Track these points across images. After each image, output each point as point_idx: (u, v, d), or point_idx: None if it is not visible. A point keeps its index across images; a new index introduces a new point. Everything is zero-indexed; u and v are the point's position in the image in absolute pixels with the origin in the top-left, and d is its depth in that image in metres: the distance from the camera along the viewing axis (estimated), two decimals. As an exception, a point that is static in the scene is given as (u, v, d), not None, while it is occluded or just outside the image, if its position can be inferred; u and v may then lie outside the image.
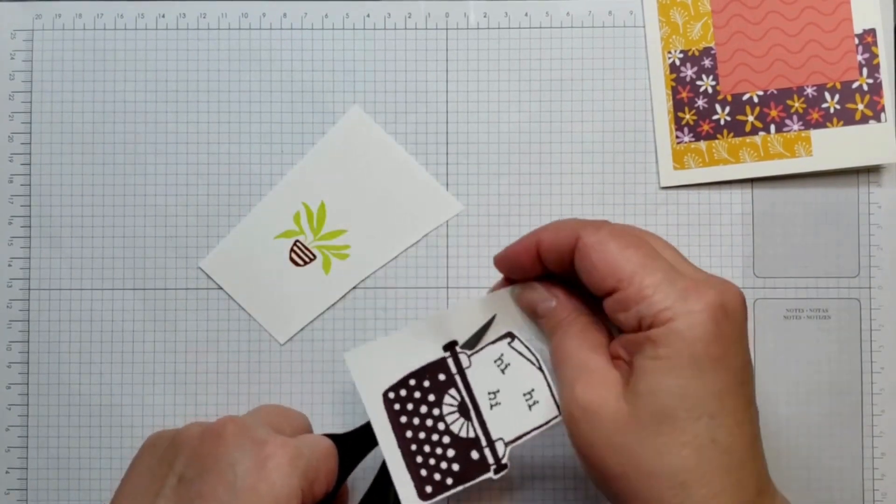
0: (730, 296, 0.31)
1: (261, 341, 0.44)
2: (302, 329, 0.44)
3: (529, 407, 0.35)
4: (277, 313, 0.44)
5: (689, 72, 0.44)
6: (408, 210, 0.44)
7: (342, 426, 0.44)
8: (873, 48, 0.44)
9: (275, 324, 0.44)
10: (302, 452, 0.32)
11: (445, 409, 0.36)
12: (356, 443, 0.36)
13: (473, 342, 0.36)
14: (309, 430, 0.37)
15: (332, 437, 0.35)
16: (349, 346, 0.44)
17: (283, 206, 0.45)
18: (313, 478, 0.32)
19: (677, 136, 0.45)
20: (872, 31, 0.44)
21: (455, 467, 0.35)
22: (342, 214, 0.45)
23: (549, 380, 0.35)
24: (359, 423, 0.37)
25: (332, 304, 0.44)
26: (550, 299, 0.35)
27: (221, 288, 0.44)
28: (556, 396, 0.35)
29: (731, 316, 0.31)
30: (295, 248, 0.44)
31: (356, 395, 0.37)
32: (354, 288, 0.44)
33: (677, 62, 0.45)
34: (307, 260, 0.44)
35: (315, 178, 0.45)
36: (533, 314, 0.36)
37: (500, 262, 0.36)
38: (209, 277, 0.44)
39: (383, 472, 0.36)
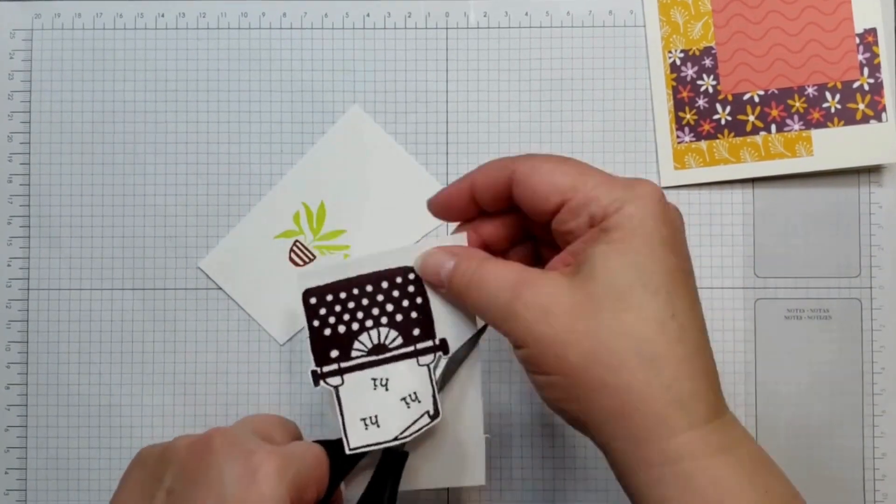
0: (662, 194, 0.33)
1: (260, 341, 0.44)
2: (302, 329, 0.44)
3: (407, 405, 0.36)
4: (277, 313, 0.44)
5: (689, 71, 0.44)
6: (407, 210, 0.44)
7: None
8: (874, 48, 0.44)
9: (275, 324, 0.44)
10: (291, 461, 0.32)
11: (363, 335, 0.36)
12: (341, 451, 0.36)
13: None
14: (299, 437, 0.36)
15: (323, 443, 0.35)
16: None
17: (282, 206, 0.44)
18: (303, 486, 0.32)
19: (678, 136, 0.44)
20: (873, 31, 0.44)
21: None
22: (342, 214, 0.44)
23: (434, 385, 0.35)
24: None
25: None
26: (449, 259, 0.35)
27: (221, 288, 0.44)
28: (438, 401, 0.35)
29: (669, 204, 0.32)
30: (295, 248, 0.44)
31: None
32: None
33: (678, 62, 0.45)
34: (307, 260, 0.44)
35: (315, 178, 0.45)
36: (436, 283, 0.35)
37: (434, 205, 0.36)
38: (209, 277, 0.44)
39: (379, 472, 0.36)
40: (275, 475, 0.30)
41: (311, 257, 0.44)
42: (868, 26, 0.44)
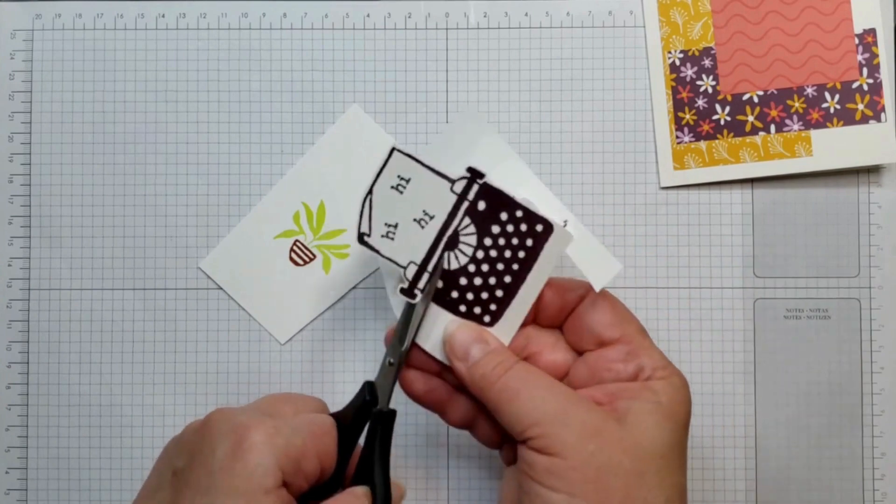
0: None
1: (261, 341, 0.44)
2: (302, 329, 0.44)
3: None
4: (277, 313, 0.44)
5: (689, 72, 0.44)
6: None
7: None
8: (873, 48, 0.44)
9: (275, 324, 0.44)
10: (281, 431, 0.32)
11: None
12: (354, 417, 0.35)
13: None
14: (318, 411, 0.36)
15: (336, 415, 0.35)
16: (349, 346, 0.44)
17: (282, 206, 0.45)
18: (297, 455, 0.32)
19: (677, 136, 0.44)
20: (872, 31, 0.44)
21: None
22: (342, 214, 0.44)
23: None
24: (359, 375, 0.38)
25: (332, 304, 0.44)
26: (483, 343, 0.35)
27: (221, 288, 0.44)
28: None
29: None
30: (295, 247, 0.44)
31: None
32: (354, 287, 0.44)
33: (677, 62, 0.45)
34: (307, 259, 0.44)
35: (314, 178, 0.45)
36: (462, 356, 0.35)
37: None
38: (209, 277, 0.44)
39: (370, 433, 0.35)
40: (262, 444, 0.31)
41: (312, 257, 0.44)
42: (867, 27, 0.44)
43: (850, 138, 0.44)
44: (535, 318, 0.37)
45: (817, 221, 0.45)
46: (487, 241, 0.36)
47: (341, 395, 0.44)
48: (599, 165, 0.45)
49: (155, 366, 0.44)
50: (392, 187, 0.36)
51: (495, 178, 0.36)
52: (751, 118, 0.44)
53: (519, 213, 0.36)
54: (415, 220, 0.36)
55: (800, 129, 0.44)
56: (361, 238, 0.36)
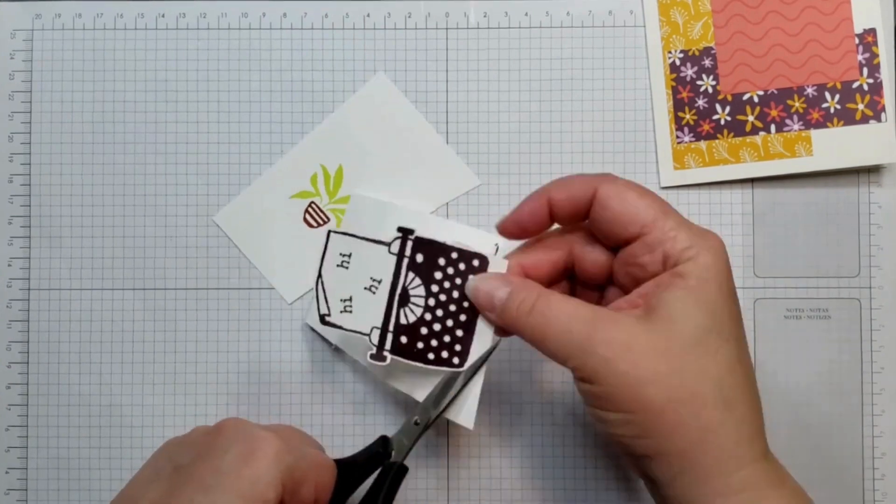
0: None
1: (261, 341, 0.44)
2: (310, 290, 0.44)
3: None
4: (287, 272, 0.44)
5: (689, 71, 0.44)
6: (425, 180, 0.44)
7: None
8: (873, 48, 0.44)
9: (283, 283, 0.44)
10: (290, 451, 0.33)
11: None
12: (360, 465, 0.37)
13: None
14: (320, 449, 0.37)
15: (339, 461, 0.36)
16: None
17: (301, 167, 0.45)
18: (299, 479, 0.33)
19: (677, 136, 0.44)
20: (873, 31, 0.44)
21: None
22: (360, 179, 0.45)
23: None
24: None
25: None
26: (504, 286, 0.36)
27: (234, 243, 0.44)
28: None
29: (728, 257, 0.34)
30: (310, 209, 0.45)
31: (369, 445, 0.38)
32: None
33: (677, 62, 0.45)
34: (321, 222, 0.45)
35: (335, 141, 0.45)
36: (488, 307, 0.36)
37: (509, 226, 0.37)
38: (222, 231, 0.44)
39: (378, 481, 0.37)
40: (271, 456, 0.32)
41: (326, 219, 0.45)
42: (867, 26, 0.44)
43: (850, 138, 0.44)
44: (561, 220, 0.37)
45: (817, 221, 0.45)
46: (434, 289, 0.38)
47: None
48: (599, 165, 0.45)
49: (155, 366, 0.44)
50: (338, 265, 0.39)
51: (423, 232, 0.38)
52: (751, 118, 0.44)
53: (454, 255, 0.38)
54: (365, 288, 0.39)
55: (800, 129, 0.44)
56: (323, 319, 0.38)
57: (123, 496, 0.33)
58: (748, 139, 0.44)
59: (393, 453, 0.38)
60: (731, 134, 0.44)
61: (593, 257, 0.37)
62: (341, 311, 0.39)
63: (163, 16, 0.45)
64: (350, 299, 0.39)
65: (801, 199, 0.45)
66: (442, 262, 0.38)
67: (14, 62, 0.45)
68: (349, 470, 0.36)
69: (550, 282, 0.38)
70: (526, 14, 0.45)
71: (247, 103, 0.45)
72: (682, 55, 0.45)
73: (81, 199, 0.45)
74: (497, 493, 0.44)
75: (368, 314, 0.38)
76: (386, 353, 0.38)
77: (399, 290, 0.38)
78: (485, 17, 0.45)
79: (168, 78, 0.45)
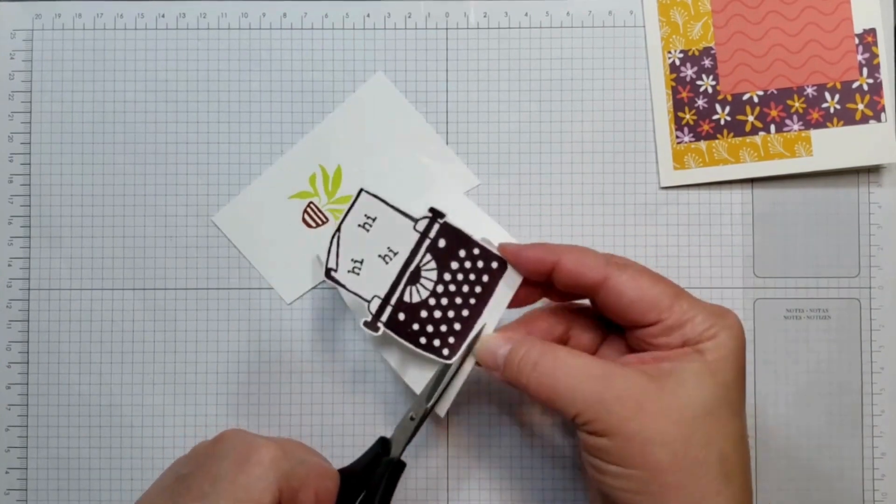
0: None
1: (261, 341, 0.44)
2: (308, 291, 0.44)
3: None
4: (285, 273, 0.44)
5: (689, 72, 0.44)
6: (424, 180, 0.44)
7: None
8: (873, 48, 0.44)
9: (282, 283, 0.44)
10: (287, 457, 0.33)
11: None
12: (363, 470, 0.37)
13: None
14: (322, 459, 0.38)
15: (342, 470, 0.36)
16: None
17: (299, 167, 0.45)
18: (297, 485, 0.33)
19: (677, 136, 0.44)
20: (872, 31, 0.44)
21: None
22: (358, 179, 0.45)
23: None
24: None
25: None
26: (504, 344, 0.36)
27: (233, 243, 0.44)
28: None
29: (745, 336, 0.36)
30: (308, 209, 0.45)
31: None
32: None
33: (677, 62, 0.45)
34: (319, 222, 0.45)
35: (334, 142, 0.45)
36: (492, 366, 0.37)
37: (511, 255, 0.38)
38: (221, 231, 0.44)
39: (377, 478, 0.37)
40: (267, 462, 0.32)
41: (324, 220, 0.45)
42: (867, 27, 0.44)
43: (850, 138, 0.44)
44: (549, 281, 0.37)
45: (817, 221, 0.45)
46: (447, 277, 0.38)
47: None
48: (599, 165, 0.45)
49: (155, 366, 0.44)
50: (359, 225, 0.39)
51: (454, 219, 0.38)
52: (751, 118, 0.44)
53: (476, 251, 0.38)
54: (379, 256, 0.38)
55: (800, 129, 0.44)
56: (328, 273, 0.38)
57: None
58: (748, 139, 0.44)
59: (392, 449, 0.38)
60: (731, 134, 0.44)
61: (591, 335, 0.38)
62: (349, 271, 0.38)
63: (163, 16, 0.45)
64: (361, 262, 0.38)
65: (801, 199, 0.45)
66: (462, 253, 0.38)
67: (14, 62, 0.45)
68: (352, 477, 0.36)
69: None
70: (526, 14, 0.45)
71: (246, 103, 0.45)
72: (681, 55, 0.45)
73: (81, 199, 0.45)
74: (497, 493, 0.44)
75: (374, 282, 0.38)
76: (380, 325, 0.38)
77: (412, 268, 0.38)
78: (485, 17, 0.45)
79: (168, 78, 0.45)
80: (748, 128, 0.44)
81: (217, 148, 0.45)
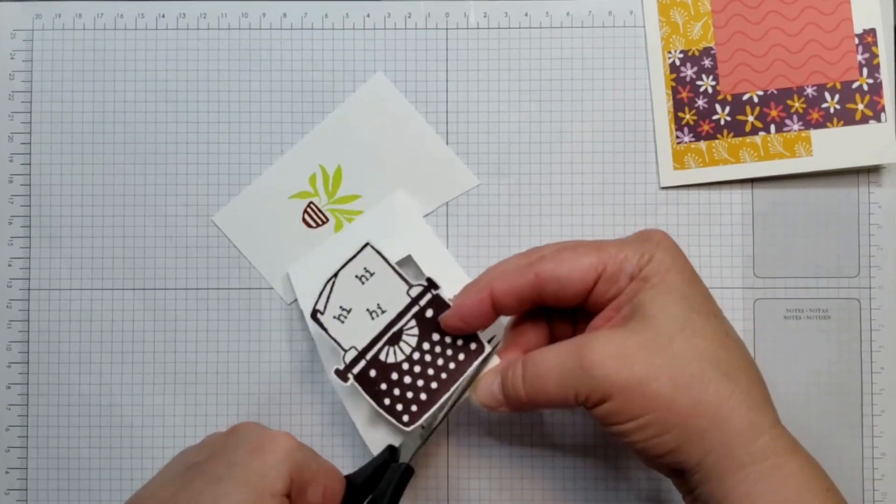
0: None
1: (261, 341, 0.44)
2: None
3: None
4: (286, 271, 0.44)
5: (689, 72, 0.44)
6: (424, 179, 0.44)
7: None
8: (873, 48, 0.44)
9: (283, 282, 0.44)
10: (303, 451, 0.34)
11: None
12: (370, 477, 0.37)
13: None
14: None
15: (347, 476, 0.37)
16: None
17: (299, 167, 0.45)
18: (308, 478, 0.33)
19: (677, 136, 0.44)
20: (872, 31, 0.44)
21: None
22: (358, 180, 0.45)
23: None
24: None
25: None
26: (494, 378, 0.37)
27: (233, 243, 0.44)
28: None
29: (675, 243, 0.36)
30: (308, 209, 0.45)
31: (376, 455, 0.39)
32: None
33: (677, 62, 0.45)
34: (320, 222, 0.45)
35: (334, 142, 0.45)
36: (497, 405, 0.37)
37: (452, 321, 0.38)
38: (221, 231, 0.44)
39: (385, 483, 0.37)
40: (281, 452, 0.33)
41: (324, 220, 0.45)
42: (867, 27, 0.44)
43: (850, 138, 0.44)
44: (506, 312, 0.38)
45: (817, 221, 0.45)
46: (426, 346, 0.39)
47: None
48: (599, 165, 0.45)
49: (155, 366, 0.44)
50: (356, 276, 0.40)
51: (445, 291, 0.39)
52: (751, 118, 0.44)
53: None
54: (368, 310, 0.39)
55: (800, 129, 0.44)
56: (315, 314, 0.39)
57: (134, 498, 0.34)
58: (748, 139, 0.44)
59: (401, 456, 0.38)
60: (731, 134, 0.44)
61: (569, 322, 0.39)
62: (334, 317, 0.39)
63: (163, 16, 0.45)
64: (349, 311, 0.39)
65: (801, 199, 0.45)
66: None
67: (14, 62, 0.45)
68: (358, 482, 0.37)
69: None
70: (526, 14, 0.45)
71: (246, 103, 0.45)
72: (681, 55, 0.45)
73: (81, 199, 0.45)
74: (497, 494, 0.44)
75: (356, 334, 0.39)
76: (350, 376, 0.39)
77: (395, 329, 0.39)
78: (485, 17, 0.45)
79: (168, 78, 0.45)
80: (748, 128, 0.44)
81: (217, 148, 0.45)
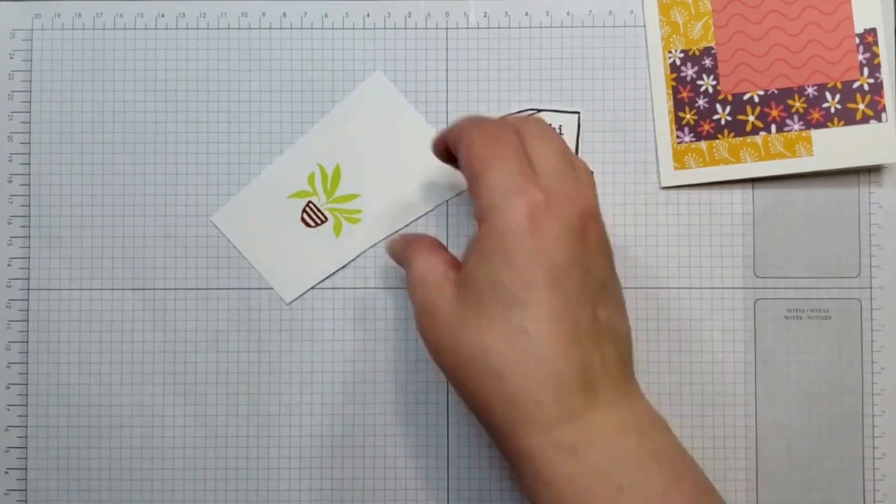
0: (568, 203, 0.32)
1: (260, 341, 0.44)
2: (308, 290, 0.44)
3: None
4: (285, 272, 0.44)
5: (689, 71, 0.44)
6: (423, 179, 0.44)
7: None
8: (874, 48, 0.44)
9: (281, 282, 0.44)
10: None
11: None
12: None
13: None
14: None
15: None
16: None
17: (298, 166, 0.45)
18: None
19: (678, 136, 0.44)
20: (873, 31, 0.44)
21: None
22: (357, 179, 0.45)
23: None
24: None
25: (341, 268, 0.44)
26: (401, 243, 0.39)
27: (232, 243, 0.44)
28: None
29: (559, 217, 0.32)
30: (307, 209, 0.45)
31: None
32: (363, 253, 0.44)
33: (678, 62, 0.45)
34: (319, 222, 0.45)
35: (332, 141, 0.45)
36: (398, 261, 0.39)
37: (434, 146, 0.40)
38: (220, 232, 0.44)
39: None
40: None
41: (323, 219, 0.45)
42: (868, 26, 0.44)
43: (850, 138, 0.43)
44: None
45: (818, 221, 0.44)
46: None
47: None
48: (599, 165, 0.45)
49: (155, 366, 0.44)
50: None
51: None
52: (751, 118, 0.44)
53: None
54: None
55: (800, 129, 0.44)
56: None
57: None
58: (748, 139, 0.44)
59: None
60: (732, 134, 0.44)
61: None
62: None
63: (162, 16, 0.45)
64: None
65: (802, 199, 0.45)
66: None
67: (14, 62, 0.45)
68: None
69: None
70: (526, 14, 0.45)
71: (246, 103, 0.45)
72: (682, 55, 0.44)
73: (81, 199, 0.45)
74: (497, 494, 0.44)
75: None
76: None
77: None
78: (485, 17, 0.45)
79: (168, 78, 0.45)
80: (749, 128, 0.44)
81: (216, 148, 0.45)
